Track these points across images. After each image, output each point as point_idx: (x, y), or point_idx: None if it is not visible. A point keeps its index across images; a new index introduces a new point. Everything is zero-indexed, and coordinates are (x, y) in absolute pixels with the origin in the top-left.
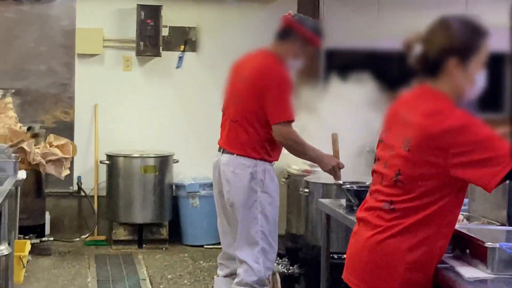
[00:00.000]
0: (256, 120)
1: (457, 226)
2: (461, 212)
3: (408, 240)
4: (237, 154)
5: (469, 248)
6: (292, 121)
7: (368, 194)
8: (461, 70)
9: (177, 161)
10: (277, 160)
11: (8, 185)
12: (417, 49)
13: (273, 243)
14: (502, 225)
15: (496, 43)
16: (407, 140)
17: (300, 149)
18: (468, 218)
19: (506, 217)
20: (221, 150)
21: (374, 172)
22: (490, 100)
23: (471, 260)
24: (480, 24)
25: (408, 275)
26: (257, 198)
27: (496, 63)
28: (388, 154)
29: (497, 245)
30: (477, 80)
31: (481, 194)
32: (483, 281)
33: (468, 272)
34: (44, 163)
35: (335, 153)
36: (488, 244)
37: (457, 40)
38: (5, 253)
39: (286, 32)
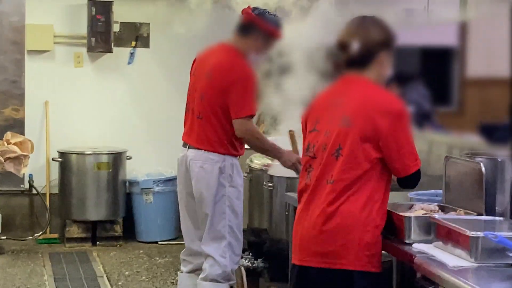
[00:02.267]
0: (222, 116)
1: (437, 216)
2: (435, 203)
3: (356, 202)
4: (205, 150)
5: (451, 238)
6: (253, 116)
7: (305, 178)
8: (387, 60)
9: (130, 158)
10: (242, 154)
11: None
12: (354, 45)
13: (240, 237)
14: (479, 215)
15: (447, 37)
16: (346, 118)
17: (260, 145)
18: (443, 209)
19: (483, 207)
20: (187, 146)
21: (310, 158)
22: (440, 94)
23: (453, 249)
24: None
25: (364, 235)
26: (225, 193)
27: (446, 57)
28: (326, 136)
29: (481, 234)
30: (389, 69)
31: (456, 184)
32: (467, 269)
33: (452, 261)
34: (3, 160)
35: (294, 149)
36: (472, 234)
37: (389, 35)
38: None
39: (248, 27)
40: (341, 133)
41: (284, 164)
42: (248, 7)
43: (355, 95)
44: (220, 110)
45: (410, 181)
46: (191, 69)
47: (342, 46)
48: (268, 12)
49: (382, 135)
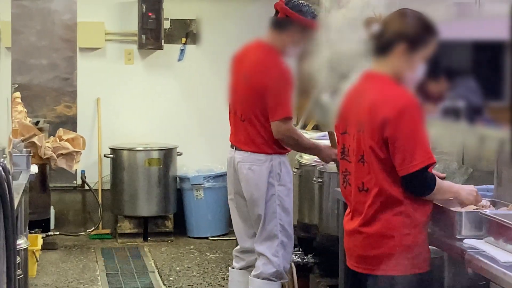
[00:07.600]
0: (264, 118)
1: (488, 212)
2: (486, 199)
3: (389, 207)
4: (252, 152)
5: (502, 233)
6: (290, 117)
7: (343, 183)
8: (406, 57)
9: (181, 154)
10: (290, 150)
11: (23, 179)
12: (375, 27)
13: (291, 234)
14: None
15: (496, 31)
16: (360, 122)
17: (298, 144)
18: (494, 204)
19: None
20: (234, 147)
21: (347, 162)
22: (492, 88)
23: (504, 245)
24: (433, 24)
25: (403, 239)
26: (275, 192)
27: (497, 51)
28: (354, 140)
29: None
30: (417, 70)
31: (507, 179)
32: None
33: (503, 256)
34: (55, 157)
35: (334, 147)
36: None
37: (410, 30)
38: (24, 247)
39: (283, 22)
40: (360, 138)
41: (324, 160)
42: (281, 0)
43: (369, 97)
44: (261, 113)
45: (413, 183)
46: (230, 68)
47: (366, 25)
48: (302, 3)
49: (385, 132)
